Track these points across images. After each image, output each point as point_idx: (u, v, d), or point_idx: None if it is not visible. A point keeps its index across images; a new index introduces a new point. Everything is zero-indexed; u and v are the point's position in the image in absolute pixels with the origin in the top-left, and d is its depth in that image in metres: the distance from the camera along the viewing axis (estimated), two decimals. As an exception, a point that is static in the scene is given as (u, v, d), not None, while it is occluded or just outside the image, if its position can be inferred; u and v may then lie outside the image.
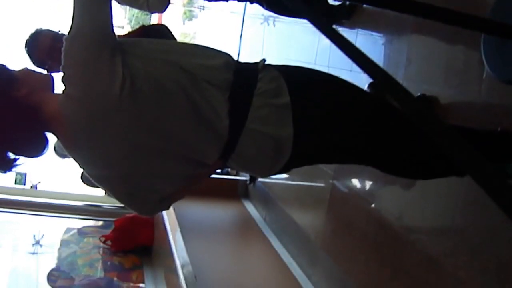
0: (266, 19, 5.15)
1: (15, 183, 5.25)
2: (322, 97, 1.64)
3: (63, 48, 1.46)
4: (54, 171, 5.43)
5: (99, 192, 5.15)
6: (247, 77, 1.60)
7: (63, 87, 1.51)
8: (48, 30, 2.70)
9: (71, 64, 1.46)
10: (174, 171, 1.65)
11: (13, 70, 1.58)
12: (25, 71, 1.63)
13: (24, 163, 1.61)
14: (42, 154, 1.63)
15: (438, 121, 0.77)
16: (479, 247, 2.06)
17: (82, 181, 5.03)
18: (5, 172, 1.59)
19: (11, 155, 1.57)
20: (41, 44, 2.62)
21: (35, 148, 1.61)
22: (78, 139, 1.54)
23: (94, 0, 1.47)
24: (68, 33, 1.47)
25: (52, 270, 4.22)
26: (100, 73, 1.45)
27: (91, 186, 5.12)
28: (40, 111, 1.52)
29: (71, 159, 1.62)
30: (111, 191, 1.68)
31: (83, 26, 1.45)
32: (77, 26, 1.46)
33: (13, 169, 1.58)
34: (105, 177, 1.64)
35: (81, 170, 1.63)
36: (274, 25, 5.03)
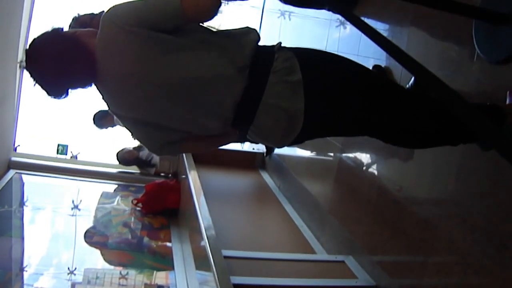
0: (283, 13, 5.20)
1: (57, 153, 5.26)
2: (330, 74, 1.68)
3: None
4: (92, 144, 5.48)
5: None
6: (264, 58, 1.64)
7: None
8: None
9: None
10: (181, 127, 1.72)
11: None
12: (75, 29, 1.71)
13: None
14: (86, 87, 1.69)
15: (448, 88, 0.81)
16: (469, 210, 2.11)
17: (118, 161, 5.12)
18: (59, 98, 1.65)
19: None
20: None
21: (83, 79, 1.66)
22: (108, 81, 1.63)
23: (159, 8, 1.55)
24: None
25: (89, 228, 4.28)
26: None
27: (124, 164, 5.18)
28: (87, 46, 1.60)
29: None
30: (131, 130, 1.78)
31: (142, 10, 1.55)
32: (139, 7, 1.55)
33: (66, 96, 1.65)
34: (127, 118, 1.73)
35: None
36: (290, 19, 5.07)
